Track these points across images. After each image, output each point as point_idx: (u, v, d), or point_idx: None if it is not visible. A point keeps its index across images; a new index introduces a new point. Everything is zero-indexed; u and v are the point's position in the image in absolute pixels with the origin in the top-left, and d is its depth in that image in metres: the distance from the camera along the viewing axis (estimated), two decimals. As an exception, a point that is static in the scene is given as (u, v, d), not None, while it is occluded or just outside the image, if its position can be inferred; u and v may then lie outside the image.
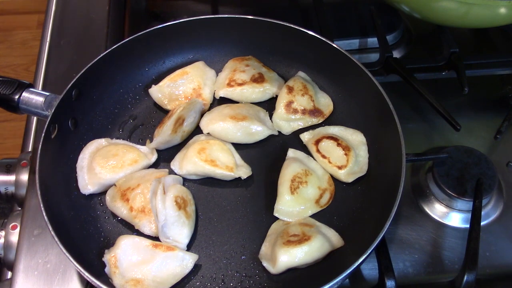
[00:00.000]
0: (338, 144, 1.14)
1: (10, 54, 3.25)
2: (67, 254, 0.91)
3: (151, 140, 1.17)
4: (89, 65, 1.15)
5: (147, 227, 1.04)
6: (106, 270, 0.98)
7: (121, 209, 1.06)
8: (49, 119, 1.06)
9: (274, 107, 1.23)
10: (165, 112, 1.24)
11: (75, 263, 0.90)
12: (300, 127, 1.23)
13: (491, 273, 1.05)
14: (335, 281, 0.89)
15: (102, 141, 1.16)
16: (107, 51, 1.19)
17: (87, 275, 0.90)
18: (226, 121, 1.17)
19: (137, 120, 1.24)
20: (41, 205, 0.96)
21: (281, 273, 1.00)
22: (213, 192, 1.13)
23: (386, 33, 1.40)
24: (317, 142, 1.16)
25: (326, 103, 1.26)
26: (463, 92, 1.24)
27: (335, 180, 1.14)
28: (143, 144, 1.19)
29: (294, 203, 1.08)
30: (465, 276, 0.97)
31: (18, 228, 1.06)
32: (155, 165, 1.16)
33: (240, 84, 1.24)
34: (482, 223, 1.05)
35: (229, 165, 1.12)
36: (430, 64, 1.37)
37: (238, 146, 1.18)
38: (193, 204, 1.09)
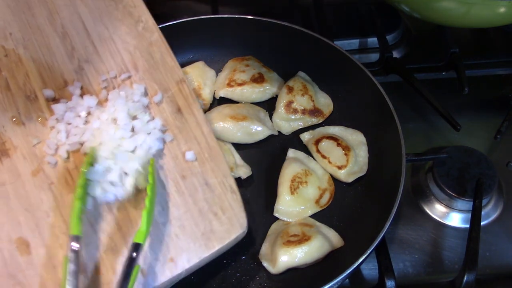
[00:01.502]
0: (338, 144, 1.14)
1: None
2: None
3: (151, 140, 1.17)
4: (89, 65, 1.15)
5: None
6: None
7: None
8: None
9: (274, 107, 1.23)
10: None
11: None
12: (300, 127, 1.23)
13: (491, 273, 1.05)
14: (335, 281, 0.89)
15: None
16: (107, 51, 1.19)
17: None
18: (226, 121, 1.17)
19: (137, 120, 1.24)
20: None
21: (281, 273, 1.00)
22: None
23: (386, 33, 1.40)
24: (317, 142, 1.16)
25: (326, 103, 1.26)
26: (463, 92, 1.24)
27: (335, 180, 1.14)
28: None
29: (294, 203, 1.08)
30: (465, 276, 0.97)
31: None
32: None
33: (240, 84, 1.24)
34: (482, 223, 1.05)
35: (229, 165, 1.11)
36: (430, 64, 1.37)
37: (238, 146, 1.18)
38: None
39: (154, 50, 1.03)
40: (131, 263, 0.79)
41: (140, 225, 0.82)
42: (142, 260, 0.84)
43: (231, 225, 0.88)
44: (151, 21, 1.06)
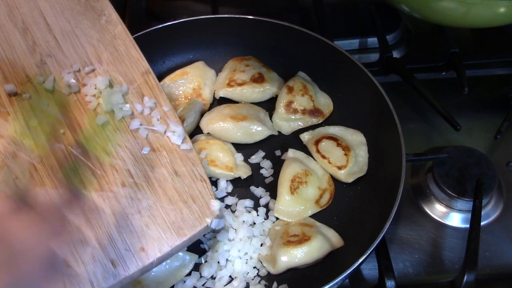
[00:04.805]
0: (338, 144, 1.14)
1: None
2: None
3: (151, 140, 1.17)
4: (89, 65, 1.15)
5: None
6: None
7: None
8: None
9: (274, 107, 1.23)
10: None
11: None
12: (300, 127, 1.23)
13: (491, 273, 1.05)
14: (335, 281, 0.89)
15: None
16: (107, 51, 1.19)
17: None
18: (226, 121, 1.17)
19: (137, 120, 1.24)
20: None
21: (281, 273, 1.00)
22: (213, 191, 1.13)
23: (386, 33, 1.40)
24: (317, 142, 1.16)
25: (326, 103, 1.26)
26: (463, 92, 1.24)
27: (335, 180, 1.14)
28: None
29: (294, 203, 1.08)
30: (465, 276, 0.97)
31: None
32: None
33: (240, 84, 1.24)
34: (482, 223, 1.05)
35: (229, 165, 1.12)
36: (430, 64, 1.37)
37: (238, 146, 1.18)
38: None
39: (118, 43, 1.04)
40: None
41: None
42: (112, 251, 0.85)
43: (201, 213, 0.89)
44: (114, 14, 1.06)
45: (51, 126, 0.96)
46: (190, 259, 1.00)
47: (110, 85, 1.00)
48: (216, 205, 0.90)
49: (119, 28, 1.04)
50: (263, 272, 1.01)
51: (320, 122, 1.23)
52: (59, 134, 0.95)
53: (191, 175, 0.92)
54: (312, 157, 1.17)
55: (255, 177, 1.15)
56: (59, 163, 0.92)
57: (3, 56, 1.02)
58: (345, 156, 1.13)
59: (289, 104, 1.21)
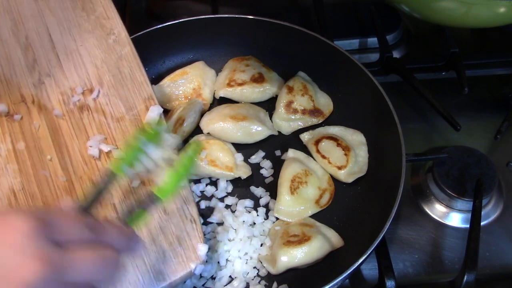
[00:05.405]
0: (338, 144, 1.14)
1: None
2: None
3: (151, 140, 1.17)
4: (89, 65, 1.15)
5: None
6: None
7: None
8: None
9: (274, 107, 1.23)
10: (165, 112, 1.23)
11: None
12: (300, 127, 1.23)
13: (491, 273, 1.05)
14: (335, 281, 0.89)
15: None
16: (107, 51, 1.19)
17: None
18: (226, 121, 1.17)
19: (137, 120, 1.24)
20: None
21: (281, 273, 1.00)
22: (213, 191, 1.13)
23: (386, 33, 1.40)
24: (317, 142, 1.16)
25: (326, 103, 1.26)
26: (463, 92, 1.24)
27: (335, 180, 1.14)
28: (143, 144, 1.19)
29: (294, 203, 1.08)
30: (465, 276, 0.97)
31: None
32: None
33: (240, 84, 1.24)
34: (482, 223, 1.05)
35: (229, 165, 1.12)
36: (430, 64, 1.37)
37: (238, 146, 1.18)
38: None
39: (123, 64, 0.98)
40: (139, 204, 0.72)
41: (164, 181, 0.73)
42: None
43: (186, 257, 0.81)
44: (124, 33, 1.01)
45: (38, 151, 0.90)
46: (190, 259, 1.00)
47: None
48: (203, 249, 0.83)
49: (127, 48, 0.99)
50: (263, 272, 1.01)
51: (320, 122, 1.23)
52: (46, 160, 0.89)
53: (181, 214, 0.85)
54: (312, 157, 1.17)
55: (255, 177, 1.15)
56: (40, 192, 0.86)
57: (1, 73, 0.97)
58: (345, 156, 1.13)
59: (289, 104, 1.21)
